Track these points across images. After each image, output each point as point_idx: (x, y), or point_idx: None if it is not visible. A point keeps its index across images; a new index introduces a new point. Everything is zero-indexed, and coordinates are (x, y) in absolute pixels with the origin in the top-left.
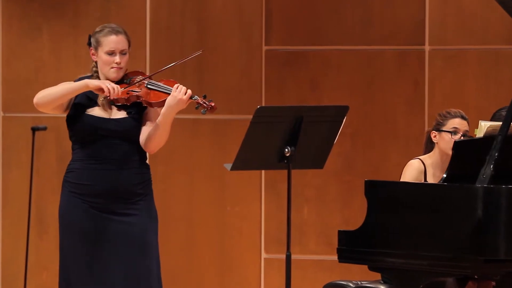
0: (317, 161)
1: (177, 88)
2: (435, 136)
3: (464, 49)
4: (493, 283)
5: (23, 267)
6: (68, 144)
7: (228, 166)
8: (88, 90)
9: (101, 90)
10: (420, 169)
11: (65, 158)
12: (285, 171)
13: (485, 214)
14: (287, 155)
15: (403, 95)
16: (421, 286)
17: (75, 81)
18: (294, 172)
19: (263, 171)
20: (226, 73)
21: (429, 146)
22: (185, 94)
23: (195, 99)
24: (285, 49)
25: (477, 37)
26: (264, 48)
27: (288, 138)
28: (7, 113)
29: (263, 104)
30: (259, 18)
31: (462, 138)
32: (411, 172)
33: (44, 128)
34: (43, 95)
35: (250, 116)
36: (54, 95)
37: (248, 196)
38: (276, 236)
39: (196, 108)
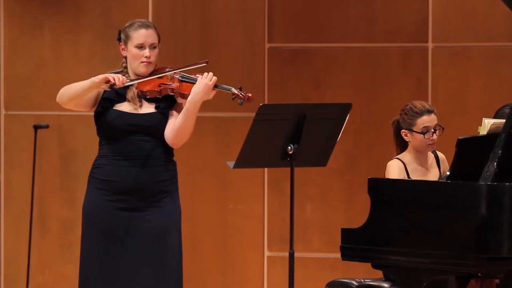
0: (320, 159)
1: (203, 75)
2: (406, 135)
3: (467, 46)
4: (497, 281)
5: (25, 266)
6: (70, 142)
7: (231, 164)
8: (96, 86)
9: (108, 81)
10: (400, 166)
11: (67, 156)
12: (288, 169)
13: (488, 212)
14: (290, 153)
15: (406, 93)
16: (424, 283)
17: None
18: (297, 170)
19: (266, 169)
20: (229, 71)
21: (398, 139)
22: (211, 80)
23: (221, 88)
24: (288, 46)
25: (481, 34)
26: (267, 45)
27: (291, 136)
28: (9, 111)
29: (266, 102)
30: (262, 15)
31: (434, 134)
32: (394, 172)
33: (46, 126)
34: (61, 94)
35: (253, 114)
36: (68, 95)
37: (251, 194)
38: (279, 234)
39: (233, 98)
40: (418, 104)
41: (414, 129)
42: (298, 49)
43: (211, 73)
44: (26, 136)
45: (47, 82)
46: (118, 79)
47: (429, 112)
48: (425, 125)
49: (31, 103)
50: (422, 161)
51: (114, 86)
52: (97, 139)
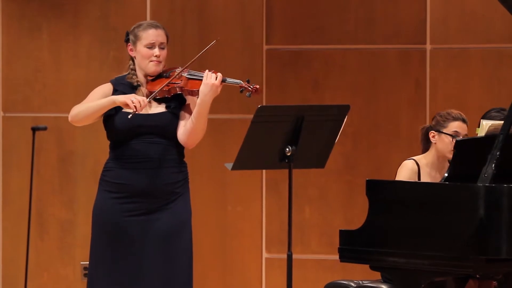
0: (319, 161)
1: (207, 75)
2: (433, 136)
3: (466, 48)
4: (495, 283)
5: (24, 268)
6: (69, 144)
7: (229, 165)
8: (115, 106)
9: (127, 105)
10: (414, 169)
11: (65, 158)
12: (286, 171)
13: (487, 213)
14: (288, 154)
15: (405, 95)
16: (423, 285)
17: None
18: (295, 172)
19: (264, 171)
20: (227, 72)
21: (426, 144)
22: (216, 78)
23: (229, 83)
24: (286, 48)
25: (479, 36)
26: (265, 47)
27: (289, 138)
28: (7, 113)
29: (264, 104)
30: (260, 17)
31: None
32: (404, 172)
33: (44, 128)
34: (75, 113)
35: (251, 116)
36: (85, 113)
37: (249, 196)
38: (277, 236)
39: (241, 91)
40: (456, 111)
41: (444, 131)
42: (296, 51)
43: (213, 74)
44: (24, 138)
45: (45, 85)
46: (140, 105)
47: (463, 121)
48: (456, 129)
49: (30, 105)
50: (438, 168)
51: (135, 112)
52: (96, 140)
